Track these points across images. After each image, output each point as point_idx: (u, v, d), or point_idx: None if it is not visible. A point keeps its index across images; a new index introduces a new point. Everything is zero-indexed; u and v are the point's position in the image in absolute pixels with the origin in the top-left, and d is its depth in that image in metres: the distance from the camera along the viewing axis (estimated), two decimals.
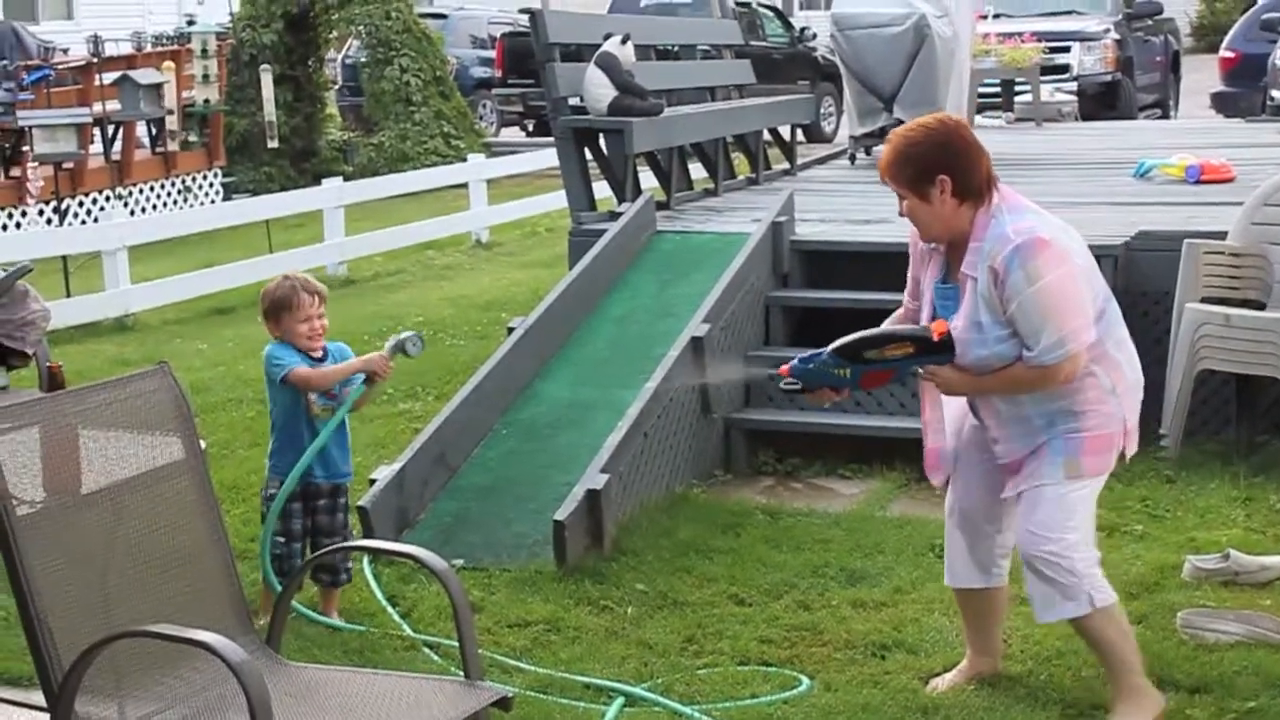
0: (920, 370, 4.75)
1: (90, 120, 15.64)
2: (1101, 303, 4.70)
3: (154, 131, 17.40)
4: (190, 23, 19.74)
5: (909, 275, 4.98)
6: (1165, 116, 21.88)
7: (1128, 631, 4.87)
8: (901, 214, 4.71)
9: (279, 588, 5.44)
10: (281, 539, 5.85)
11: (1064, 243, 4.60)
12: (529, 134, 25.83)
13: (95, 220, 15.08)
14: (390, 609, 5.99)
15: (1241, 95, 20.77)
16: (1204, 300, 7.60)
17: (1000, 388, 4.70)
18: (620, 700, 5.15)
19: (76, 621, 3.74)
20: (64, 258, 12.53)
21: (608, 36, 10.15)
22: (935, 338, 4.64)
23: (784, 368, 4.78)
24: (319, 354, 5.86)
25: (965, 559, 5.11)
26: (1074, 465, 4.68)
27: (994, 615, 5.21)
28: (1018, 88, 17.42)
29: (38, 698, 3.67)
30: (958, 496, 5.10)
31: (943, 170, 4.59)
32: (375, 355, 5.80)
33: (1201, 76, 23.73)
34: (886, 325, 4.93)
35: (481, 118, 24.40)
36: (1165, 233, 8.32)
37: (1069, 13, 20.31)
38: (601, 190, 10.57)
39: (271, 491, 5.86)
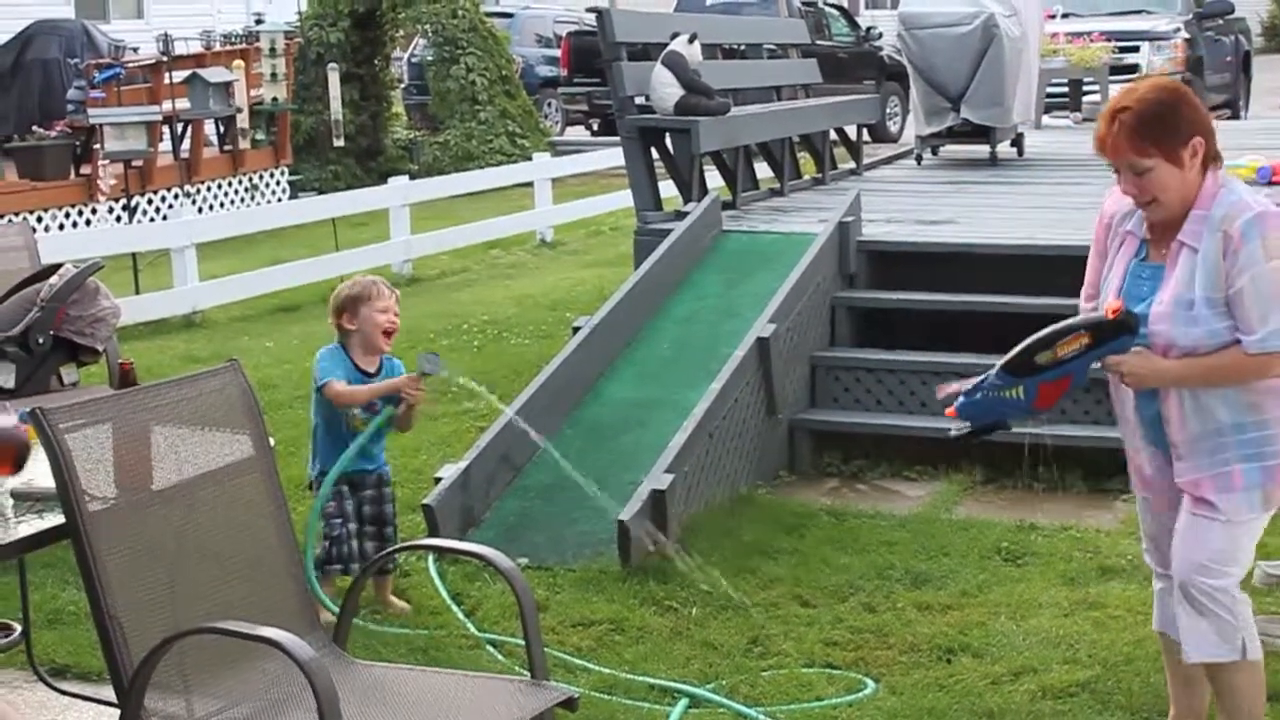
0: (1102, 365, 4.23)
1: (160, 118, 15.75)
2: None
3: (222, 130, 17.51)
4: (259, 21, 19.87)
5: (1088, 275, 4.50)
6: (1235, 116, 21.69)
7: (1262, 692, 4.40)
8: (1125, 190, 4.22)
9: (321, 596, 5.52)
10: (338, 519, 5.96)
11: None
12: (594, 133, 25.84)
13: (164, 218, 15.20)
14: (455, 607, 6.01)
15: None
16: None
17: (1202, 377, 4.18)
18: (685, 701, 5.14)
19: (146, 617, 3.76)
20: (133, 255, 12.62)
21: (674, 35, 10.15)
22: (1110, 316, 4.13)
23: (950, 409, 4.28)
24: (374, 367, 5.96)
25: (1164, 602, 4.61)
26: (1269, 496, 4.25)
27: (1198, 670, 4.51)
28: (1086, 88, 17.31)
29: (108, 692, 3.69)
30: (1149, 549, 4.66)
31: (1200, 132, 4.15)
32: (405, 377, 5.92)
33: (1273, 76, 23.54)
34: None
35: (547, 116, 24.43)
36: None
37: (1138, 12, 20.15)
38: (667, 189, 10.56)
39: (315, 485, 6.00)
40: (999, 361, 4.20)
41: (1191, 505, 4.29)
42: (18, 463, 3.97)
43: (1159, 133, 4.13)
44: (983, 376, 4.20)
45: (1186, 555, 4.28)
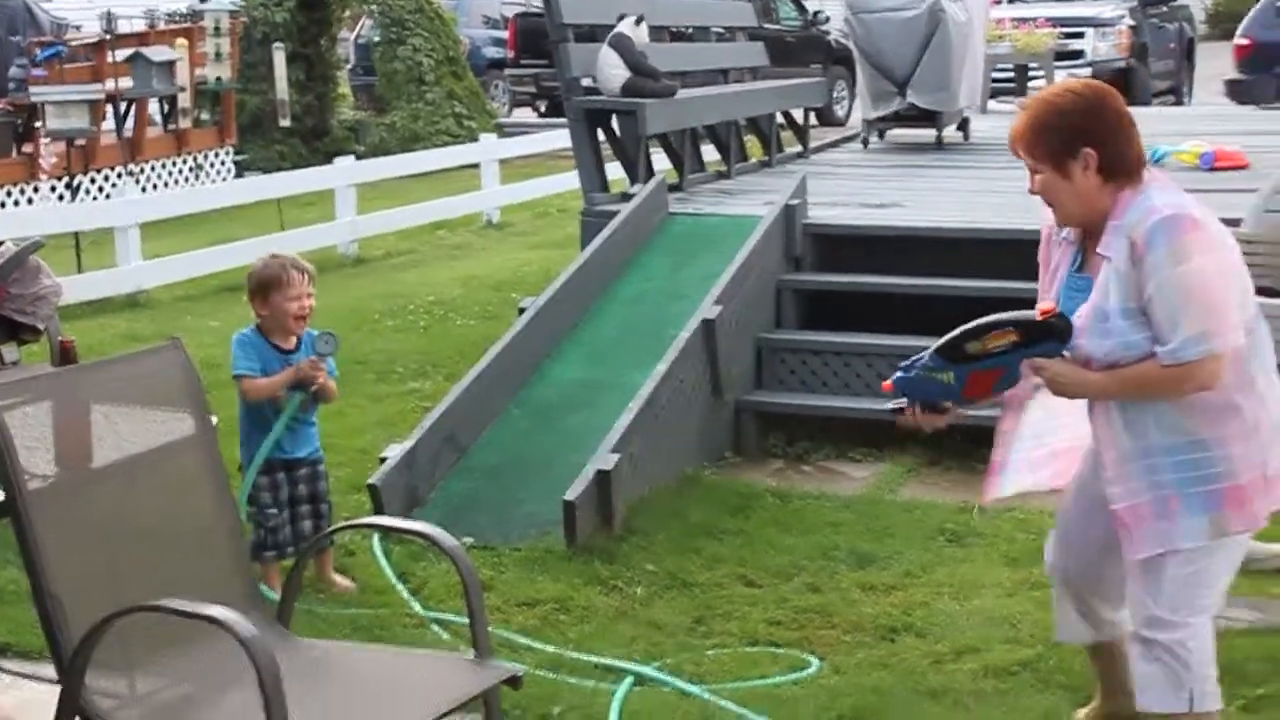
0: (1030, 365, 4.05)
1: (103, 97, 15.64)
2: (1251, 320, 3.99)
3: (166, 109, 17.41)
4: (203, 1, 19.71)
5: (1040, 275, 4.30)
6: (1179, 103, 21.85)
7: None
8: (1031, 191, 4.07)
9: (261, 563, 5.53)
10: (273, 510, 5.95)
11: (1219, 232, 3.91)
12: (541, 114, 25.81)
13: (107, 197, 15.10)
14: (400, 586, 6.00)
15: (1256, 83, 20.71)
16: None
17: (1122, 389, 3.96)
18: (629, 680, 5.15)
19: (87, 595, 3.74)
20: (76, 234, 12.54)
21: (621, 17, 10.15)
22: (1039, 318, 3.97)
23: (887, 383, 4.15)
24: (292, 345, 5.97)
25: (1073, 618, 4.51)
26: (1220, 522, 3.95)
27: (1120, 658, 4.43)
28: (1031, 73, 17.40)
29: (49, 671, 3.68)
30: (1058, 555, 4.48)
31: (1091, 142, 3.93)
32: (304, 361, 5.90)
33: (1216, 63, 23.64)
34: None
35: (494, 98, 24.38)
36: None
37: None
38: (614, 171, 10.57)
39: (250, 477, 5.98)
40: (935, 344, 4.09)
41: (1137, 544, 4.04)
42: None
43: (1044, 142, 3.99)
44: (919, 355, 4.11)
45: (1138, 606, 4.08)
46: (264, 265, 5.97)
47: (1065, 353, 3.99)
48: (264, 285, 5.90)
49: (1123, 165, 3.95)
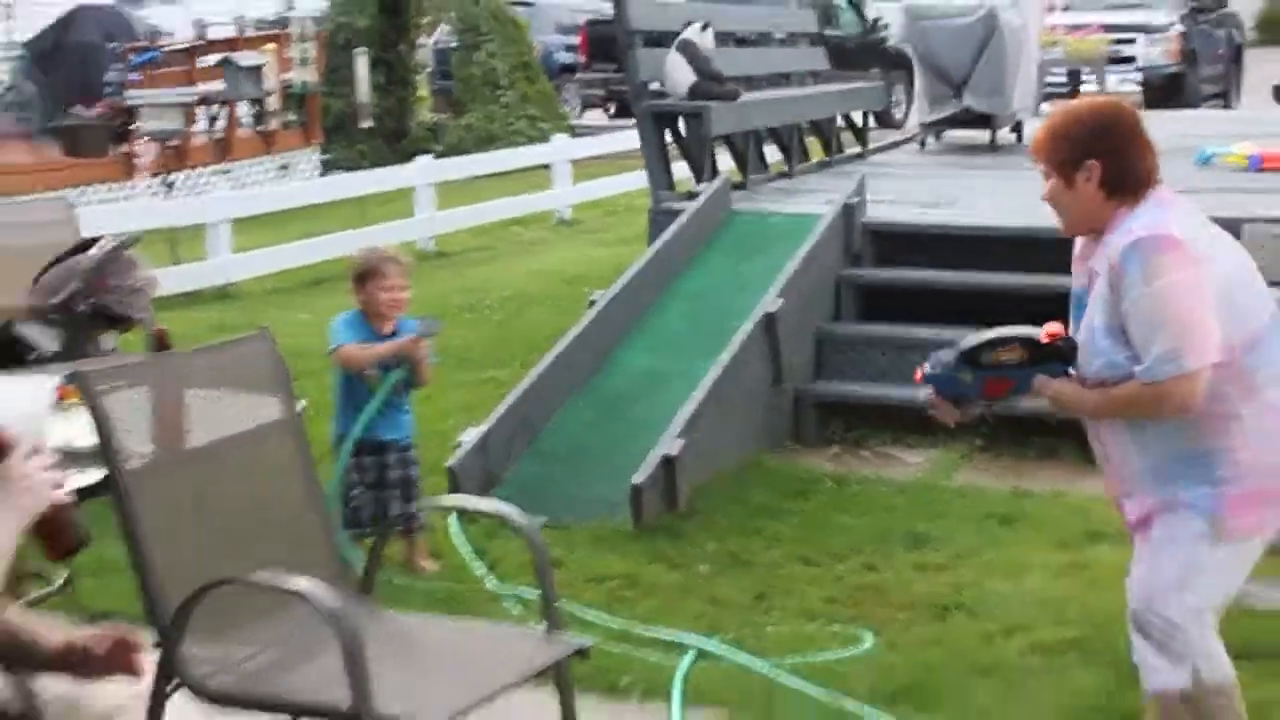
0: (1036, 382, 3.98)
1: (195, 100, 15.77)
2: (1258, 332, 3.82)
3: (255, 111, 17.52)
4: (290, 8, 19.84)
5: (1072, 291, 4.15)
6: (1227, 107, 21.66)
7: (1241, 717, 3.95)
8: (1043, 197, 4.00)
9: (347, 554, 5.56)
10: (357, 490, 6.00)
11: (1203, 247, 3.77)
12: (611, 117, 25.80)
13: (200, 194, 15.23)
14: (477, 563, 6.05)
15: None
16: None
17: (1112, 409, 3.86)
18: (693, 653, 5.17)
19: (182, 568, 3.79)
20: (171, 229, 12.65)
21: (688, 24, 10.17)
22: (1044, 339, 3.95)
23: (919, 373, 4.15)
24: (389, 328, 6.00)
25: None
26: (1219, 525, 3.81)
27: None
28: (1084, 78, 17.30)
29: (149, 638, 3.72)
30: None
31: (1097, 155, 3.84)
32: (406, 339, 5.96)
33: (1265, 69, 23.41)
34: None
35: (565, 101, 24.39)
36: (1226, 218, 8.19)
37: (1135, 5, 20.14)
38: (680, 171, 10.58)
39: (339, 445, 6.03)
40: (959, 345, 4.06)
41: (1140, 538, 3.98)
42: None
43: (1055, 150, 3.91)
44: (946, 352, 4.08)
45: (1136, 585, 3.96)
46: (363, 256, 6.12)
47: (1071, 371, 3.93)
48: (361, 275, 6.02)
49: (1124, 182, 3.86)
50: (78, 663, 3.10)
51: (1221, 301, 3.74)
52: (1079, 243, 4.08)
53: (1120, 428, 3.92)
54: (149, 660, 3.33)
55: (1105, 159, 3.84)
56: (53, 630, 3.19)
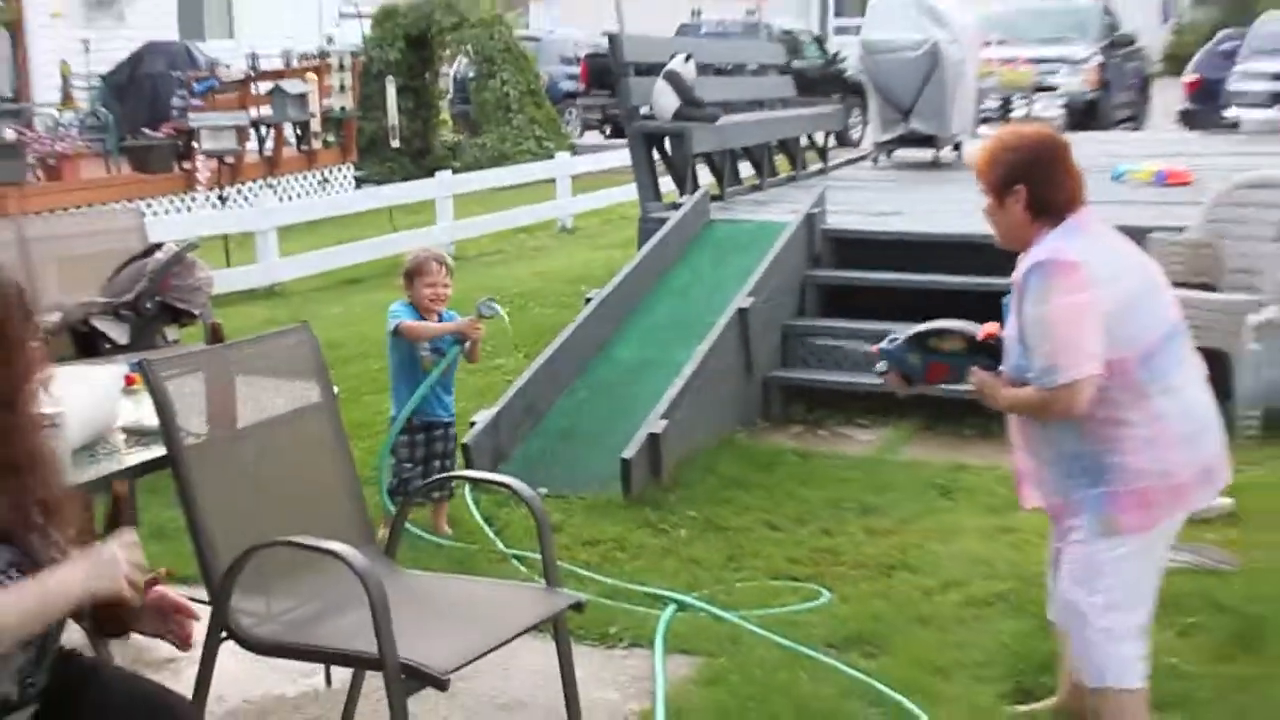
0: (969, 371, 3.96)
1: (247, 123, 15.72)
2: (1154, 343, 3.71)
3: (299, 132, 17.46)
4: (330, 42, 19.76)
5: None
6: (1137, 129, 21.65)
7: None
8: (983, 212, 3.96)
9: (392, 509, 5.53)
10: (409, 464, 5.97)
11: (1098, 271, 3.66)
12: (607, 137, 25.74)
13: (250, 205, 15.19)
14: (487, 528, 6.04)
15: (1202, 113, 20.54)
16: None
17: (1014, 405, 3.85)
18: (673, 606, 5.18)
19: (232, 532, 3.78)
20: (225, 235, 12.63)
21: (673, 56, 10.15)
22: (980, 337, 3.96)
23: (876, 347, 4.15)
24: (435, 319, 5.96)
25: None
26: (1108, 522, 3.74)
27: None
28: (1015, 103, 17.29)
29: (201, 593, 3.72)
30: (1052, 547, 4.13)
31: (1024, 180, 3.80)
32: (466, 319, 5.93)
33: (1169, 97, 23.40)
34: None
35: (568, 123, 24.34)
36: (1135, 227, 8.22)
37: (1058, 41, 20.11)
38: (666, 185, 10.57)
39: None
40: (911, 330, 4.09)
41: (1059, 533, 3.93)
42: None
43: (991, 172, 3.87)
44: (898, 334, 4.12)
45: (1060, 577, 3.91)
46: (415, 255, 6.07)
47: (1001, 369, 3.89)
48: (410, 272, 5.99)
49: (1048, 206, 3.80)
50: (134, 618, 3.08)
51: (1119, 317, 3.66)
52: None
53: (1032, 428, 3.88)
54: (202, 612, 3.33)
55: (1031, 184, 3.81)
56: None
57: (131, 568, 2.81)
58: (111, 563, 2.78)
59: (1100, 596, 3.76)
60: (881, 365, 4.13)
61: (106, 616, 2.97)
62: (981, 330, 3.98)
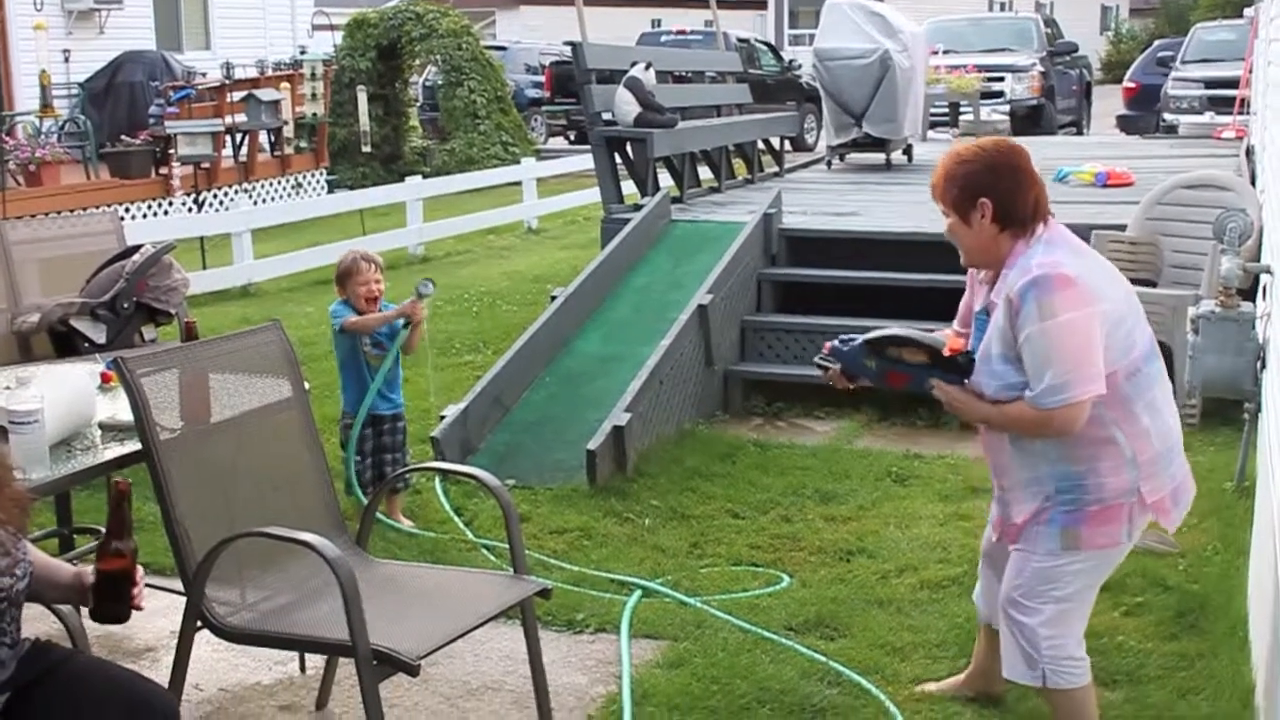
0: (934, 384, 3.74)
1: (222, 129, 15.61)
2: (1137, 360, 3.55)
3: (273, 139, 17.36)
4: (302, 52, 19.61)
5: (961, 302, 3.95)
6: (1079, 133, 21.75)
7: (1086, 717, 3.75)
8: (946, 234, 3.73)
9: (364, 498, 5.48)
10: (359, 458, 5.93)
11: (1094, 286, 3.47)
12: (571, 142, 25.71)
13: (226, 209, 15.08)
14: (456, 518, 5.99)
15: (1140, 118, 20.69)
16: None
17: (1002, 423, 3.62)
18: (639, 592, 5.14)
19: (206, 524, 3.73)
20: (201, 238, 12.52)
21: (634, 64, 10.10)
22: (947, 353, 3.74)
23: (827, 345, 3.94)
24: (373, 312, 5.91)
25: (987, 598, 4.11)
26: (1070, 537, 3.60)
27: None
28: (962, 109, 17.32)
29: (177, 584, 3.66)
30: (987, 538, 4.09)
31: (986, 193, 3.58)
32: (407, 302, 5.85)
33: (1109, 102, 23.55)
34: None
35: (533, 129, 24.27)
36: (1078, 225, 8.19)
37: (1003, 50, 20.17)
38: (628, 187, 10.51)
39: (348, 422, 5.95)
40: (867, 335, 3.85)
41: (1011, 541, 3.76)
42: None
43: (949, 190, 3.66)
44: (854, 337, 3.88)
45: (1005, 583, 3.74)
46: (343, 259, 6.01)
47: (966, 381, 3.69)
48: (341, 275, 5.94)
49: (1015, 216, 3.57)
50: (85, 593, 3.03)
51: (1110, 332, 3.48)
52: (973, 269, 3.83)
53: (1009, 446, 3.69)
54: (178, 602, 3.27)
55: (995, 196, 3.58)
56: (61, 566, 3.12)
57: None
58: None
59: (1051, 607, 3.63)
60: (827, 359, 3.93)
61: (109, 603, 2.97)
62: (947, 345, 3.78)
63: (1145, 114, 20.40)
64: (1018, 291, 3.46)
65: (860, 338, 3.87)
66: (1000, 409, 3.58)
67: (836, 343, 3.93)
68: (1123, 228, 8.04)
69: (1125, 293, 3.58)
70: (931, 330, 3.93)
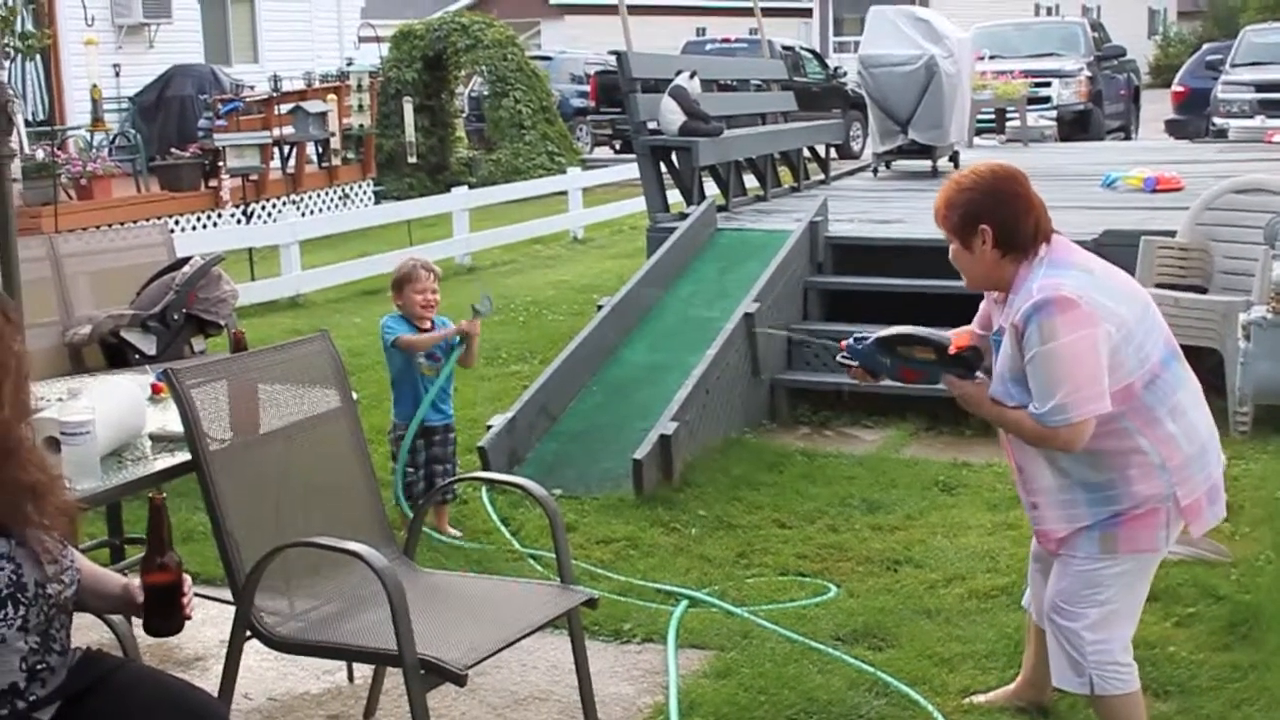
0: (946, 378, 3.80)
1: (270, 141, 15.73)
2: (1155, 368, 3.55)
3: (320, 150, 17.47)
4: (349, 63, 19.74)
5: (981, 305, 3.94)
6: (1127, 138, 21.59)
7: None
8: (950, 259, 3.76)
9: (409, 513, 5.50)
10: (412, 469, 5.92)
11: (1097, 305, 3.46)
12: (616, 151, 25.75)
13: (274, 220, 15.18)
14: (503, 528, 6.00)
15: (1189, 122, 20.53)
16: (1157, 286, 7.50)
17: (1003, 423, 3.66)
18: (685, 602, 5.13)
19: (256, 534, 3.75)
20: (249, 250, 12.61)
21: (679, 73, 10.11)
22: (952, 350, 3.79)
23: (843, 343, 4.00)
24: (427, 325, 5.91)
25: (1037, 601, 4.06)
26: (1109, 540, 3.61)
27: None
28: (1009, 115, 17.22)
29: (227, 594, 3.68)
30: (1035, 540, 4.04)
31: (986, 220, 3.59)
32: (464, 322, 5.84)
33: (1157, 107, 23.38)
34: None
35: (579, 139, 24.33)
36: (1127, 231, 8.20)
37: (1050, 54, 20.07)
38: (673, 196, 10.52)
39: (399, 434, 5.93)
40: (879, 333, 3.91)
41: (1050, 546, 3.77)
42: None
43: (950, 216, 3.68)
44: (867, 335, 3.94)
45: (1049, 590, 3.77)
46: (401, 265, 6.01)
47: (978, 375, 3.73)
48: (398, 281, 5.93)
49: (1015, 241, 3.58)
50: (133, 605, 3.06)
51: (1121, 346, 3.49)
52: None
53: (1040, 456, 3.67)
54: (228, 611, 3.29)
55: (994, 221, 3.59)
56: (110, 576, 3.15)
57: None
58: None
59: (1095, 611, 3.64)
60: (845, 357, 3.99)
61: (159, 618, 3.00)
62: (952, 342, 3.82)
63: (1194, 118, 20.25)
64: (1021, 316, 3.50)
65: (872, 336, 3.93)
66: (1003, 410, 3.62)
67: (851, 341, 3.99)
68: (1173, 233, 7.98)
69: (1135, 305, 3.57)
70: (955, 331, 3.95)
